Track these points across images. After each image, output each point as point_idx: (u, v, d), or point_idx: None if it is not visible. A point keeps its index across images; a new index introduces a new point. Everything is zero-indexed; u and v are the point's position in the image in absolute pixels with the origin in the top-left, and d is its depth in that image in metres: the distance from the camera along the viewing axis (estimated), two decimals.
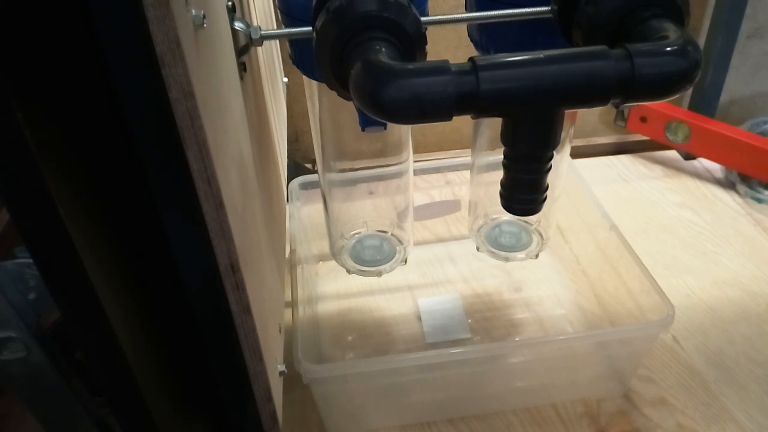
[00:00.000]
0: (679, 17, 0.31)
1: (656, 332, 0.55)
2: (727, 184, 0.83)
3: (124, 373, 0.29)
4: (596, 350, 0.56)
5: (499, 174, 0.31)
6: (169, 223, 0.28)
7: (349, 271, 0.56)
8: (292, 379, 0.46)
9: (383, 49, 0.29)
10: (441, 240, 0.76)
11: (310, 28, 0.32)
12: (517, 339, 0.63)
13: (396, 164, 0.53)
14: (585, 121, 0.94)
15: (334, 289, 0.69)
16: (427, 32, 0.33)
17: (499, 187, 0.31)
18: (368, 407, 0.56)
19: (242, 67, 0.37)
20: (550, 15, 0.37)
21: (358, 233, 0.58)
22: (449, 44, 0.84)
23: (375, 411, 0.56)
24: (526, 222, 0.59)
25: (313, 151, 0.53)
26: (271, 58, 0.61)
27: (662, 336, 0.62)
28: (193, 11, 0.25)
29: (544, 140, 0.28)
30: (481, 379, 0.56)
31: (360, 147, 0.52)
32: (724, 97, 0.92)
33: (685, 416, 0.55)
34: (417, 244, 0.69)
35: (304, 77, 0.46)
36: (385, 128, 0.44)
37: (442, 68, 0.26)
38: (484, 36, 0.45)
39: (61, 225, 0.24)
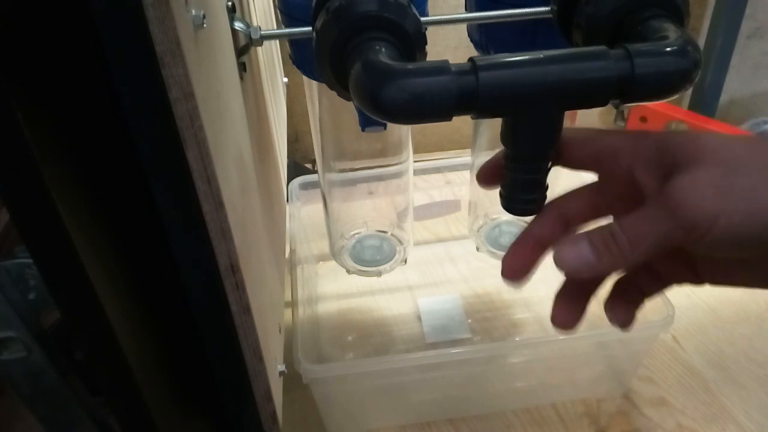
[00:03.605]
0: (679, 17, 0.31)
1: (656, 332, 0.55)
2: None
3: (124, 373, 0.29)
4: (596, 350, 0.56)
5: None
6: (169, 223, 0.28)
7: (349, 271, 0.56)
8: (292, 379, 0.46)
9: (383, 50, 0.29)
10: (441, 240, 0.76)
11: (310, 28, 0.32)
12: (517, 339, 0.63)
13: (396, 164, 0.54)
14: (585, 122, 0.94)
15: (334, 289, 0.69)
16: (427, 32, 0.33)
17: (499, 187, 0.31)
18: (368, 407, 0.56)
19: (242, 67, 0.37)
20: (550, 15, 0.37)
21: (358, 233, 0.58)
22: (449, 44, 0.84)
23: (375, 411, 0.56)
24: (526, 222, 0.59)
25: (313, 151, 0.53)
26: (271, 58, 0.61)
27: (662, 336, 0.62)
28: (193, 11, 0.25)
29: (544, 140, 0.28)
30: (481, 379, 0.55)
31: (360, 147, 0.52)
32: (724, 97, 0.92)
33: (685, 416, 0.55)
34: (417, 244, 0.69)
35: (304, 77, 0.46)
36: (385, 128, 0.44)
37: (441, 68, 0.26)
38: (484, 36, 0.45)
39: (61, 225, 0.24)
